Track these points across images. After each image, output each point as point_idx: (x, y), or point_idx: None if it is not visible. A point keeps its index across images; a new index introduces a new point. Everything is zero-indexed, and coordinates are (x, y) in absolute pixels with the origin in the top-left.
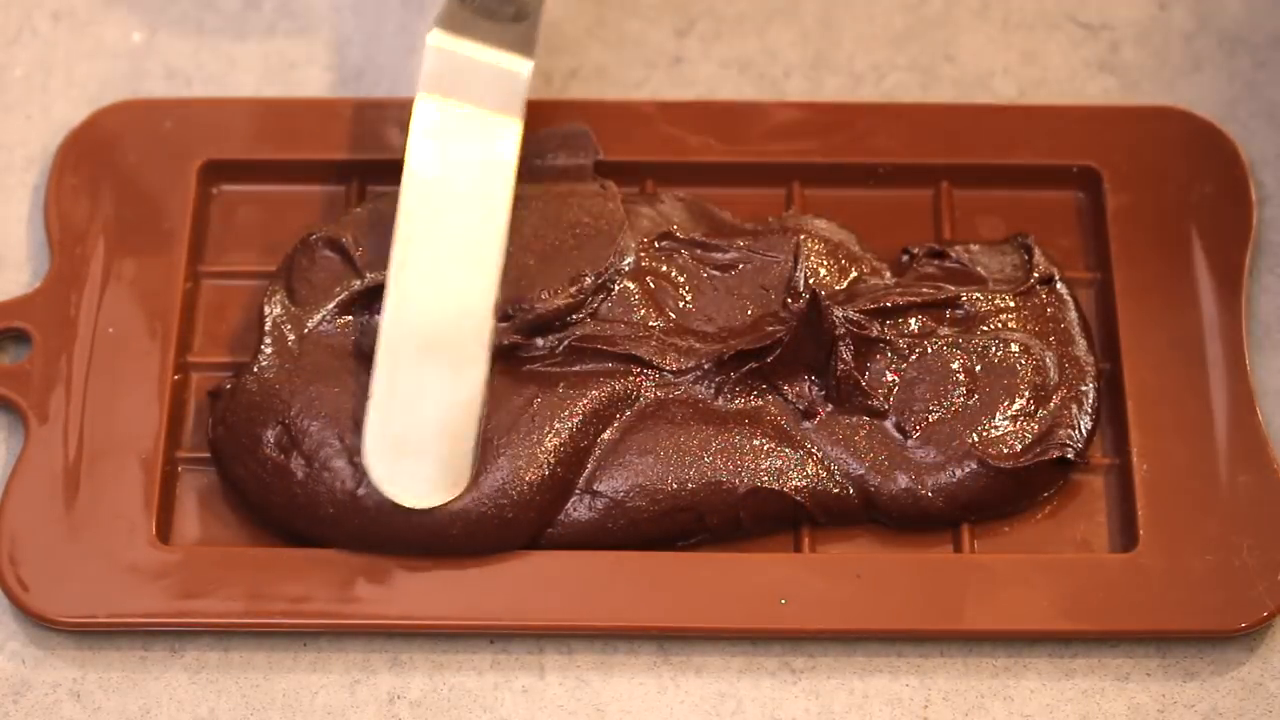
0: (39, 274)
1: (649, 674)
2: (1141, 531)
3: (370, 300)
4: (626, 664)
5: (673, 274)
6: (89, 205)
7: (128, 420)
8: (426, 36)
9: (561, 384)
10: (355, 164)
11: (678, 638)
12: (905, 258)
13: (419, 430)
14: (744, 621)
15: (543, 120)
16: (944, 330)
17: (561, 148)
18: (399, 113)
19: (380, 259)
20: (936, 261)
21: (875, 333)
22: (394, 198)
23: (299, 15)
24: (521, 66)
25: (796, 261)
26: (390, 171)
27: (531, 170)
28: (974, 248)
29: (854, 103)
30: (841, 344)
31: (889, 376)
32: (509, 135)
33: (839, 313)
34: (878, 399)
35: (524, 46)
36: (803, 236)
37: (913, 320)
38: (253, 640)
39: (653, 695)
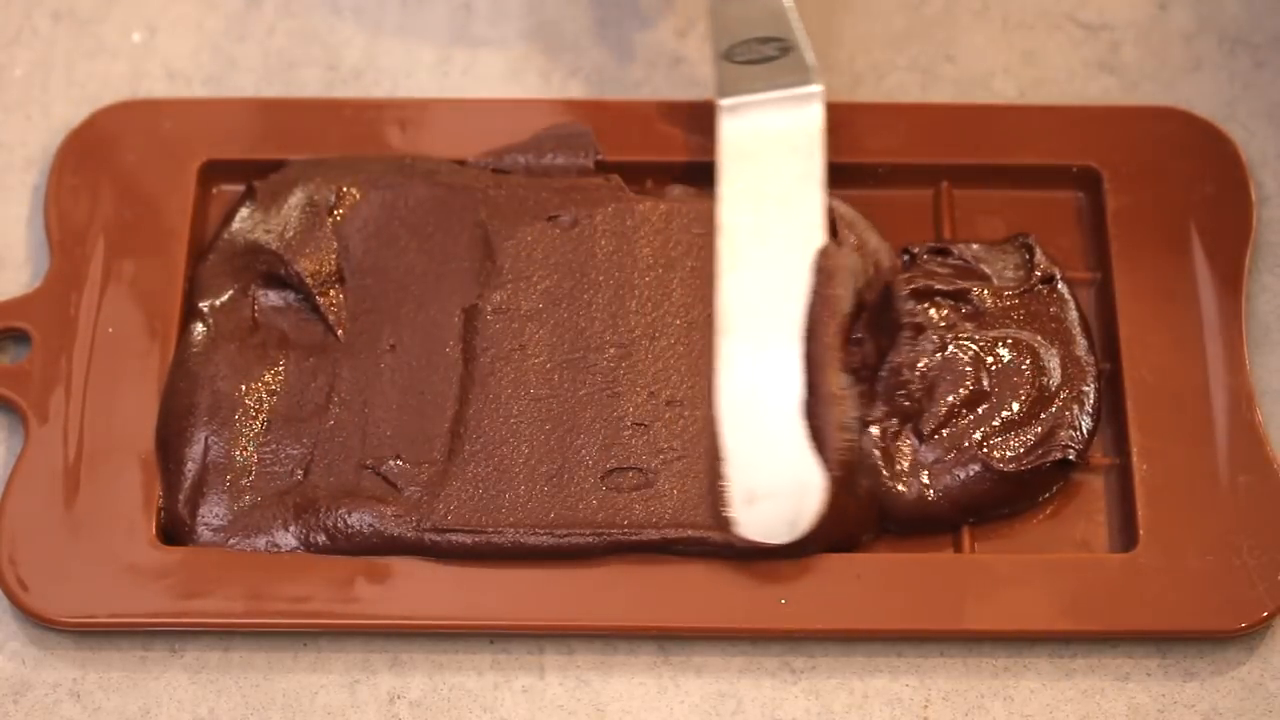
0: (39, 274)
1: (649, 674)
2: (1141, 531)
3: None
4: (626, 664)
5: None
6: (89, 205)
7: (128, 420)
8: (719, 102)
9: None
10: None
11: (678, 638)
12: (906, 258)
13: (765, 473)
14: (744, 621)
15: (543, 120)
16: (968, 326)
17: (561, 148)
18: (399, 113)
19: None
20: (939, 258)
21: (925, 321)
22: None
23: (299, 15)
24: (812, 91)
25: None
26: (389, 170)
27: (530, 169)
28: (974, 247)
29: (854, 103)
30: (904, 334)
31: (916, 373)
32: (814, 159)
33: (907, 303)
34: (913, 399)
35: (804, 74)
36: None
37: (933, 313)
38: (253, 640)
39: (653, 695)
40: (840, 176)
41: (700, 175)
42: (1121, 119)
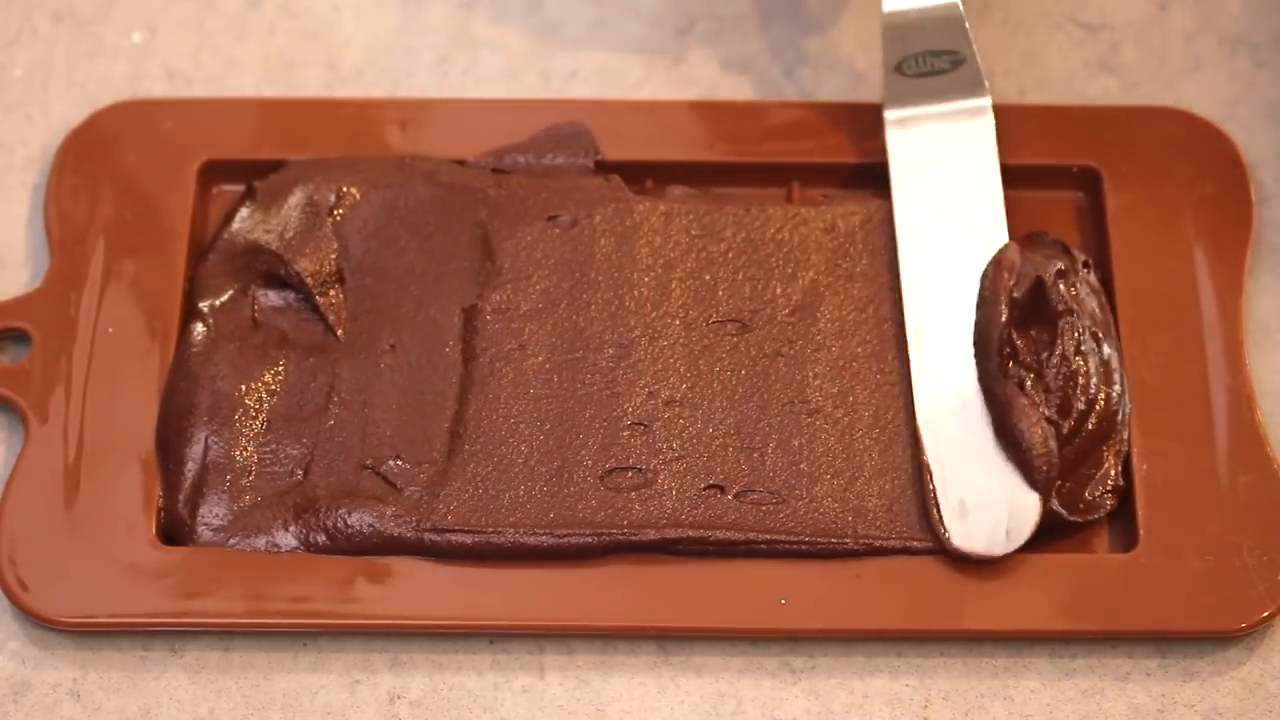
0: (39, 274)
1: (649, 674)
2: (1141, 531)
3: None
4: (626, 664)
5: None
6: (89, 205)
7: (128, 420)
8: (886, 114)
9: None
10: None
11: (678, 638)
12: None
13: (975, 481)
14: (744, 621)
15: (543, 120)
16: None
17: (561, 148)
18: (399, 113)
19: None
20: None
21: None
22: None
23: (299, 15)
24: (982, 103)
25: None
26: (389, 170)
27: (530, 169)
28: None
29: (854, 103)
30: (1064, 320)
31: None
32: (990, 171)
33: (1057, 288)
34: (1079, 390)
35: (976, 86)
36: None
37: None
38: (253, 640)
39: (653, 695)
40: (841, 176)
41: (700, 175)
42: (1121, 119)
